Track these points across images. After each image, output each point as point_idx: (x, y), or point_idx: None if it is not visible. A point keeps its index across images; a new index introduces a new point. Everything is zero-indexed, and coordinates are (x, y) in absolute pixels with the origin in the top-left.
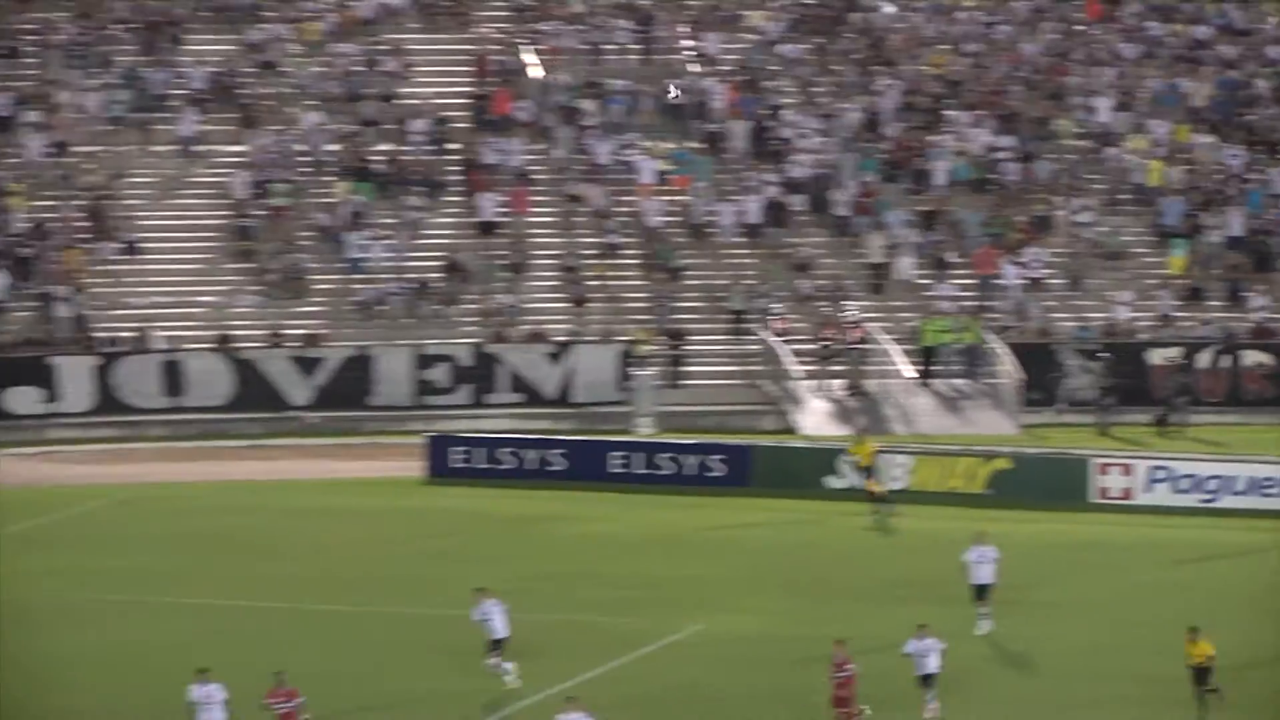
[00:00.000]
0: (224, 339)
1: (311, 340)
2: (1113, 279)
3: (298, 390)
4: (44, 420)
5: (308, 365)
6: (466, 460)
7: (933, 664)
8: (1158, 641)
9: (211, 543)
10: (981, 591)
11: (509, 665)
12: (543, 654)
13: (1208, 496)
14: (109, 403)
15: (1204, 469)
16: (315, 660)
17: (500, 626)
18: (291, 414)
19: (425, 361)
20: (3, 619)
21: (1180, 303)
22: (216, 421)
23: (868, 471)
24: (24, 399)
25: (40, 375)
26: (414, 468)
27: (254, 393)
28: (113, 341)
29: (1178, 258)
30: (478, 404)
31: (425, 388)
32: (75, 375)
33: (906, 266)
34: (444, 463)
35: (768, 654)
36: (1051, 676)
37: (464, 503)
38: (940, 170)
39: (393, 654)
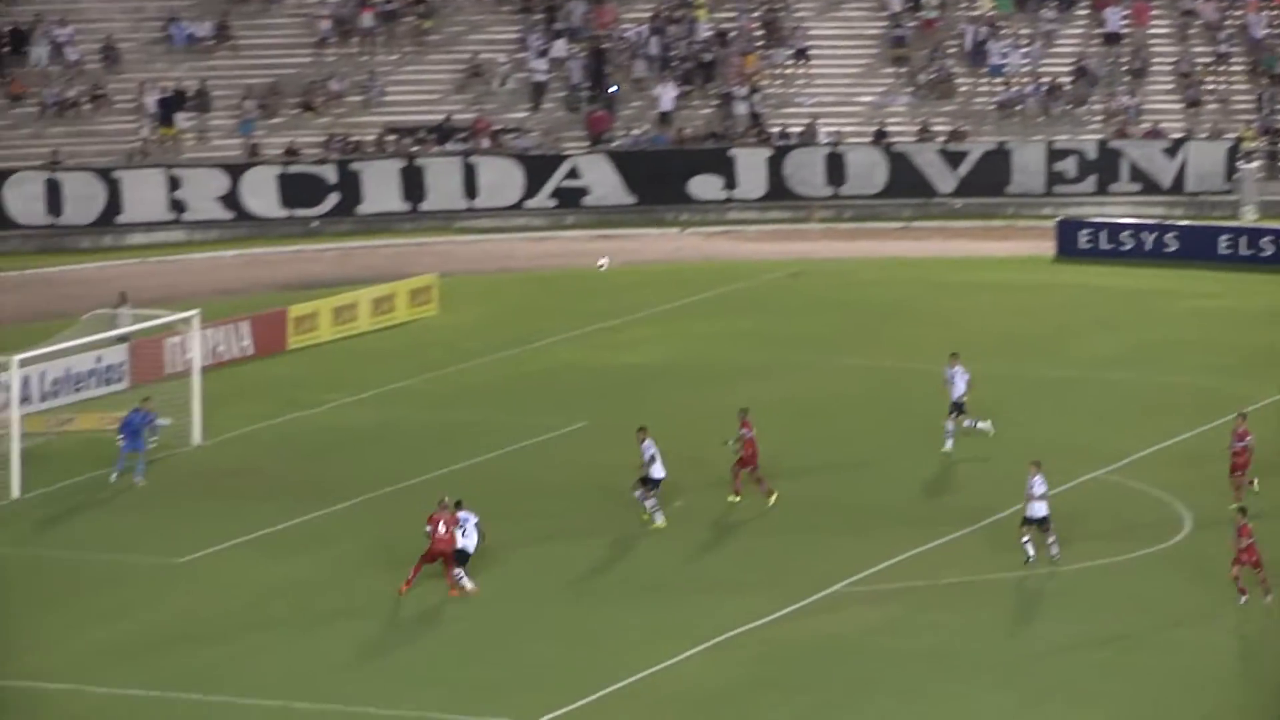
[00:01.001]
0: (880, 134)
1: (956, 135)
2: None
3: (943, 179)
4: (723, 205)
5: (953, 158)
6: (1091, 242)
7: None
8: None
9: (868, 311)
10: None
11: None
12: (1162, 412)
13: None
14: (779, 189)
15: None
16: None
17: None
18: (938, 200)
19: (1056, 155)
20: (692, 374)
21: None
22: (872, 206)
23: None
24: (707, 186)
25: (721, 165)
26: (1045, 248)
27: (905, 181)
28: (783, 136)
29: None
30: (1101, 192)
31: (1055, 178)
32: (751, 165)
33: None
34: (1072, 243)
35: None
36: None
37: (1088, 279)
38: None
39: (1035, 408)
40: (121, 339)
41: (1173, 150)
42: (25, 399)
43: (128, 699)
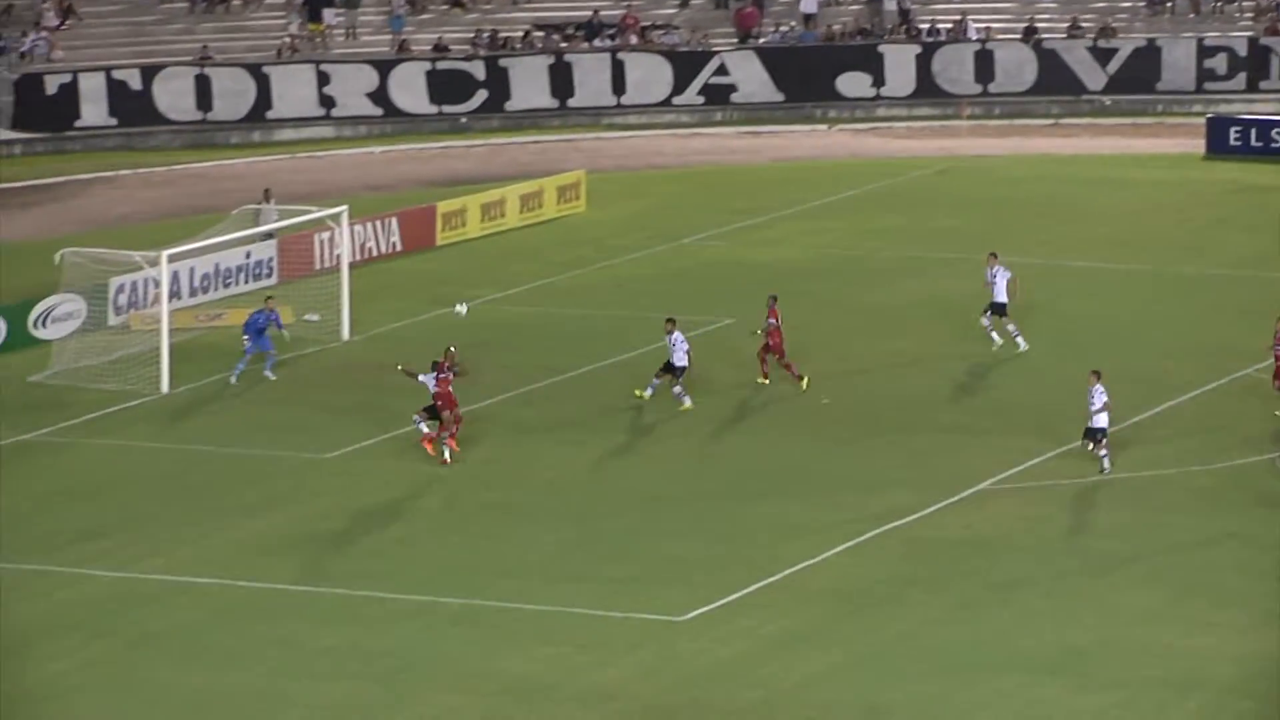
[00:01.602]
0: (1029, 31)
1: (1106, 32)
2: None
3: (1093, 76)
4: (872, 102)
5: (1102, 54)
6: (1241, 139)
7: None
8: None
9: (1018, 207)
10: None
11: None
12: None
13: None
14: (928, 87)
15: None
16: (1117, 307)
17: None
18: (1087, 97)
19: (1206, 52)
20: (838, 271)
21: None
22: (1021, 103)
23: None
24: (855, 83)
25: (869, 62)
26: (1195, 146)
27: (1054, 78)
28: (932, 33)
29: None
30: (1251, 89)
31: (1206, 75)
32: (900, 63)
33: None
34: (1222, 141)
35: None
36: None
37: (1238, 176)
38: None
39: (1179, 306)
40: (269, 235)
41: None
42: (174, 294)
43: (275, 593)
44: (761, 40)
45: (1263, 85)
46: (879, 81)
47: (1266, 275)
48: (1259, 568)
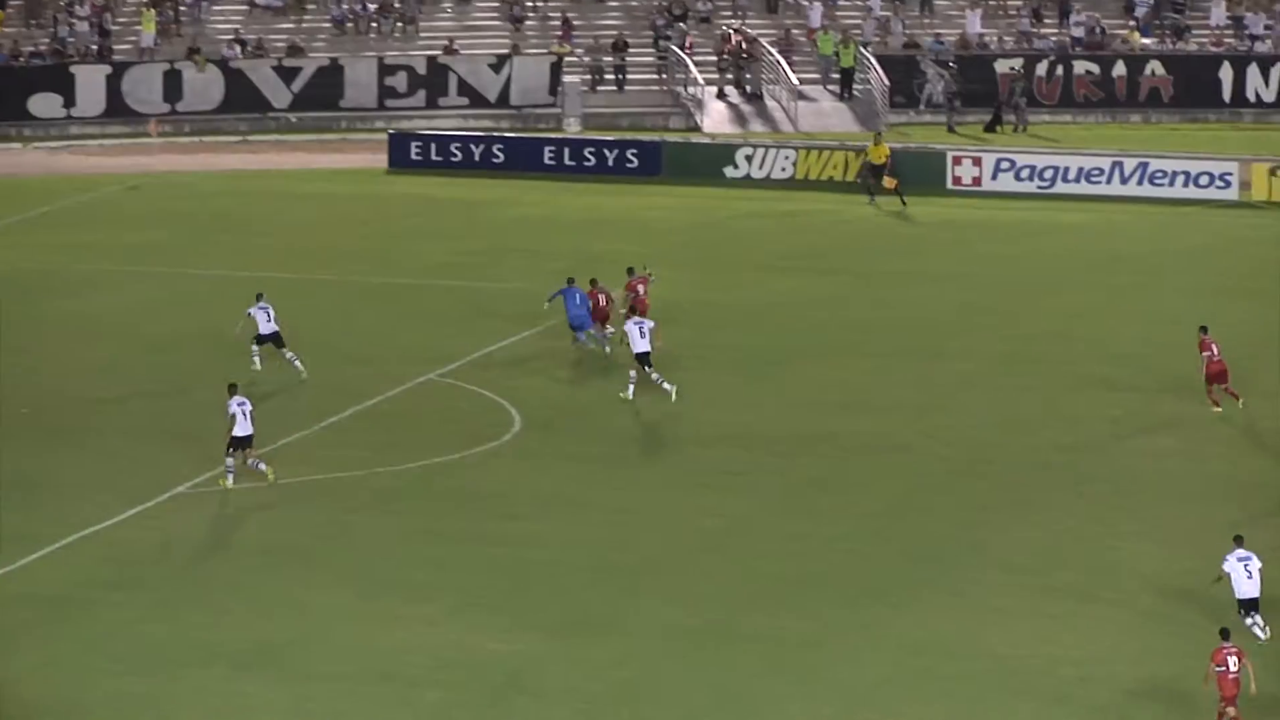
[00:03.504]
0: (194, 50)
1: (293, 51)
2: None
3: (279, 94)
4: (65, 121)
5: (288, 74)
6: (422, 153)
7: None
8: (1010, 303)
9: (208, 221)
10: None
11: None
12: (494, 315)
13: (1044, 184)
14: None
15: (1041, 160)
16: (303, 318)
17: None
18: (274, 114)
19: (387, 70)
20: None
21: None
22: (211, 121)
23: (882, 169)
24: (47, 104)
25: (61, 82)
26: (378, 161)
27: (241, 97)
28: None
29: None
30: (431, 106)
31: (387, 92)
32: (91, 82)
33: None
34: (404, 155)
35: (674, 317)
36: (916, 333)
37: (420, 189)
38: None
39: (366, 314)
40: None
41: (498, 66)
42: None
43: None
44: None
45: (441, 102)
46: (69, 103)
47: (449, 283)
48: (451, 561)
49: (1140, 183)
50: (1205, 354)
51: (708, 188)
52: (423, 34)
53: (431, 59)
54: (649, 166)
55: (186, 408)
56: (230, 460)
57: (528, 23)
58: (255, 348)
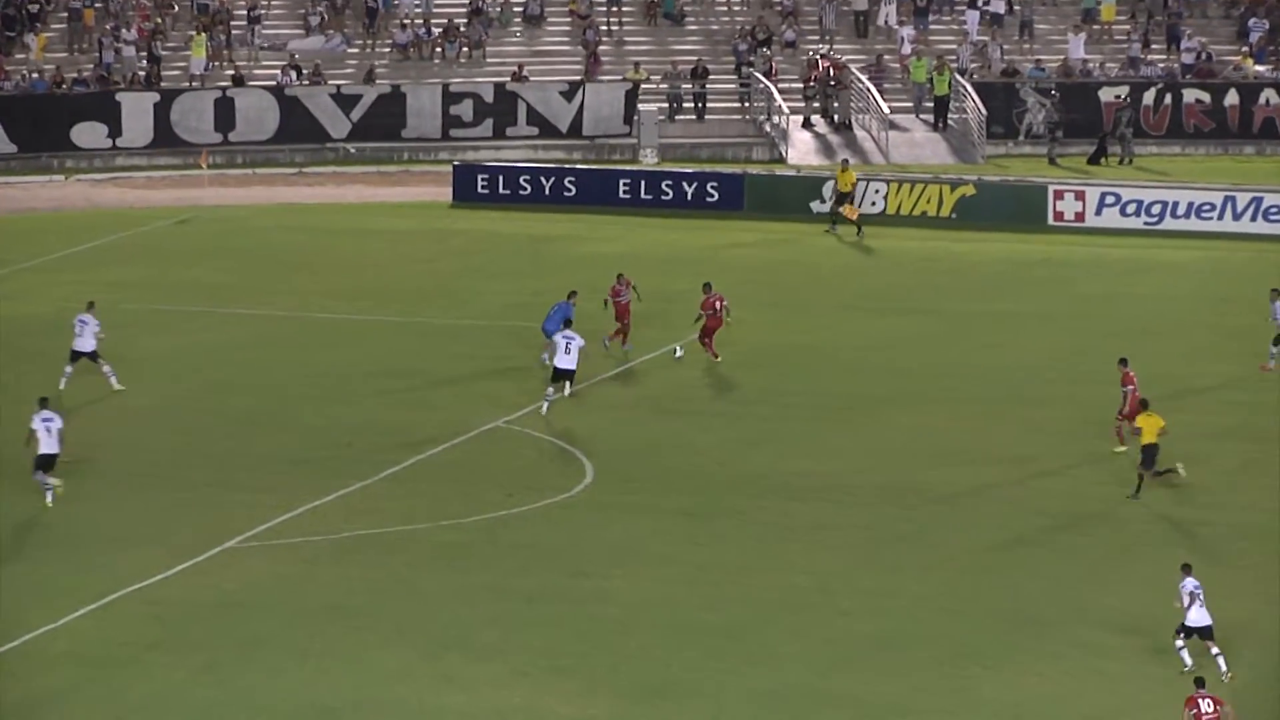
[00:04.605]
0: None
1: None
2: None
3: (337, 124)
4: (110, 152)
5: (346, 101)
6: (488, 186)
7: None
8: (1114, 347)
9: (262, 259)
10: None
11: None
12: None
13: (1152, 219)
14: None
15: (1149, 195)
16: (362, 361)
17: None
18: (331, 145)
19: (451, 98)
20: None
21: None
22: (265, 152)
23: (848, 198)
24: (91, 133)
25: (105, 110)
26: (442, 194)
27: (298, 126)
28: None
29: (1109, 6)
30: (499, 135)
31: (452, 121)
32: (137, 111)
33: (889, 14)
34: (469, 188)
35: (756, 361)
36: (1015, 379)
37: (486, 224)
38: None
39: (429, 357)
40: None
41: (570, 93)
42: None
43: None
44: None
45: (509, 132)
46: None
47: (517, 324)
48: (519, 619)
49: (1254, 219)
50: (1128, 388)
51: (793, 223)
52: (490, 59)
53: (499, 86)
54: (730, 201)
55: (238, 457)
56: (41, 476)
57: (602, 47)
58: (69, 367)
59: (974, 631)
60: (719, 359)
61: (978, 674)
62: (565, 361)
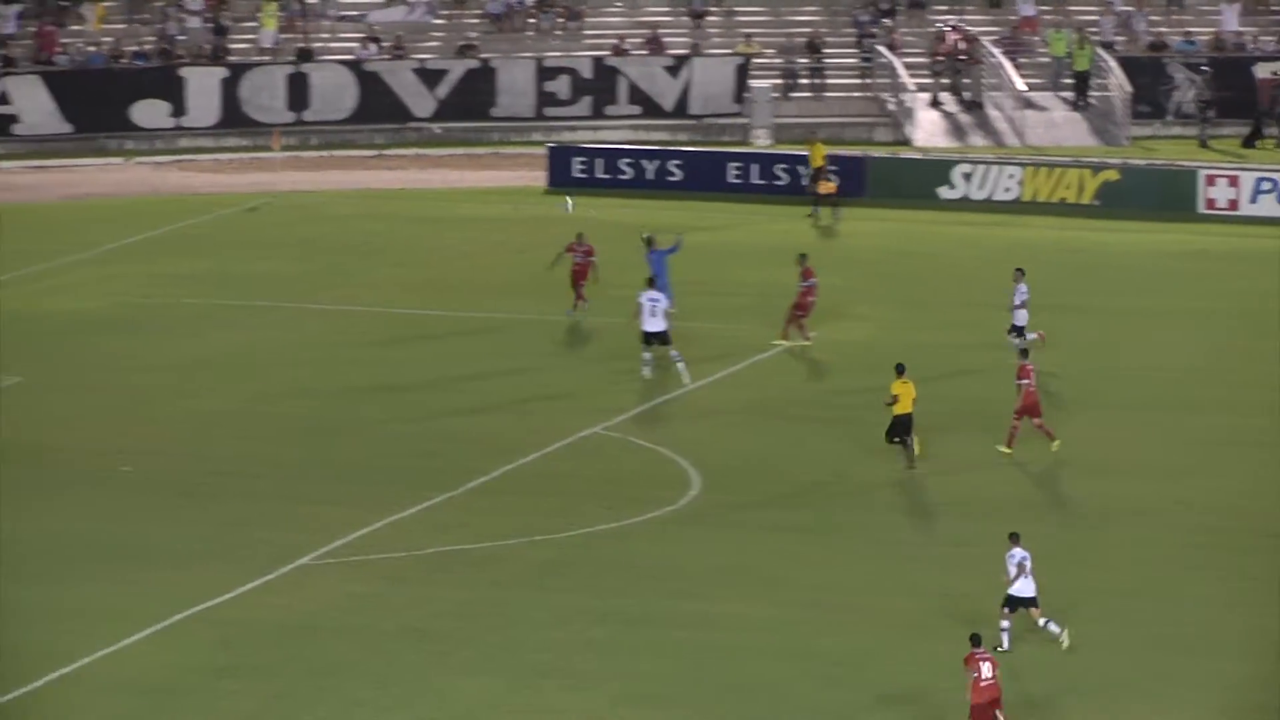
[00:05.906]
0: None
1: (465, 51)
2: None
3: (421, 102)
4: (173, 133)
5: (431, 77)
6: (586, 170)
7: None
8: (1274, 346)
9: (339, 249)
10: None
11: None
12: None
13: None
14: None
15: None
16: (447, 361)
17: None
18: (415, 124)
19: (546, 74)
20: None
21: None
22: (342, 133)
23: (819, 173)
24: (152, 111)
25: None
26: (536, 178)
27: (378, 104)
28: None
29: None
30: (597, 115)
31: (547, 99)
32: (203, 88)
33: None
34: (565, 172)
35: (876, 361)
36: (1167, 383)
37: (584, 211)
38: None
39: (522, 357)
40: None
41: (675, 68)
42: None
43: None
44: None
45: (609, 111)
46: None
47: (618, 321)
48: (617, 645)
49: None
50: (1022, 382)
51: (918, 210)
52: (588, 32)
53: (598, 61)
54: (850, 186)
55: (311, 466)
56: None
57: (710, 19)
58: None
59: (1127, 659)
60: (811, 340)
61: (1133, 707)
62: (652, 324)
